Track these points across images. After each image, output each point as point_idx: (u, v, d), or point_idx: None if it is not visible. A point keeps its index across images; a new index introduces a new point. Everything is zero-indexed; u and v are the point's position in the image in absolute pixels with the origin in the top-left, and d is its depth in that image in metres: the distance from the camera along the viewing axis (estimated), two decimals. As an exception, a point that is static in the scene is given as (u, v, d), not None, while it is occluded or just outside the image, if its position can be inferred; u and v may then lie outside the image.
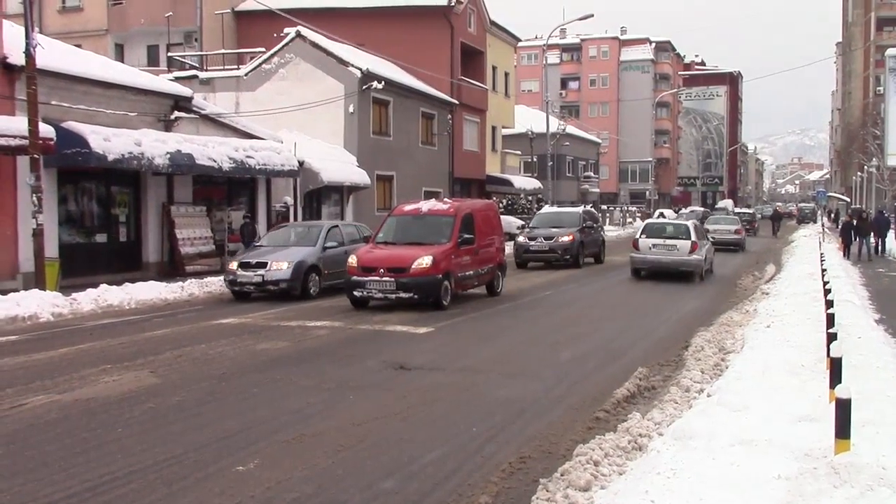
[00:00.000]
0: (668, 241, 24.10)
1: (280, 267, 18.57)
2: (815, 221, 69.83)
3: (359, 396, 9.37)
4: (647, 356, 12.00)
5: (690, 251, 23.70)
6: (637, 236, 25.24)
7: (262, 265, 18.78)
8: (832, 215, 70.74)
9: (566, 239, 27.48)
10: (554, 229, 28.06)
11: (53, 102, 19.61)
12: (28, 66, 17.34)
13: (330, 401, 9.17)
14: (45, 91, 18.67)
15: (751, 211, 69.76)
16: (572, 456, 6.87)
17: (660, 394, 9.65)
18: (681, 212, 62.43)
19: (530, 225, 30.19)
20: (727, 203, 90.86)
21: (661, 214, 57.13)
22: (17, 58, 18.23)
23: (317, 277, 19.19)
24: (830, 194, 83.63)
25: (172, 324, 15.28)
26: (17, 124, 17.78)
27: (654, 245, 24.13)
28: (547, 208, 35.87)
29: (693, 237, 24.03)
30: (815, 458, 5.92)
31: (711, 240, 28.27)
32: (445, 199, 22.48)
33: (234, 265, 19.26)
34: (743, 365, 9.77)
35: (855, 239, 31.99)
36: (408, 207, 19.47)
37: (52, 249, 19.02)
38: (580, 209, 31.67)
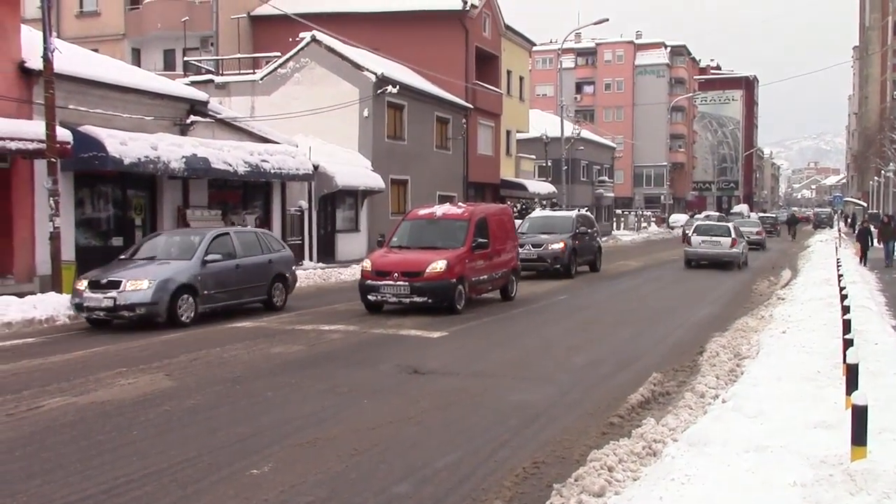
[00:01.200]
0: (714, 238, 30.81)
1: (138, 286, 14.73)
2: (831, 226, 69.63)
3: (372, 400, 9.38)
4: (661, 361, 11.96)
5: (731, 246, 30.27)
6: (689, 234, 32.58)
7: (115, 284, 14.87)
8: (849, 220, 70.33)
9: (556, 246, 25.88)
10: (544, 235, 26.49)
11: (71, 107, 19.76)
12: (46, 71, 17.46)
13: (343, 405, 9.19)
14: (62, 95, 18.81)
15: (773, 215, 76.80)
16: (586, 461, 6.86)
17: (674, 399, 9.62)
18: (695, 217, 62.44)
19: (518, 230, 27.72)
20: (742, 208, 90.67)
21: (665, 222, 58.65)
22: (34, 62, 18.37)
23: (191, 300, 15.40)
24: (847, 199, 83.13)
25: (187, 327, 15.34)
26: (34, 128, 17.91)
27: (703, 241, 30.83)
28: (538, 212, 34.07)
29: (733, 235, 30.83)
30: (831, 465, 5.88)
31: None
32: (460, 204, 22.50)
33: (82, 284, 15.36)
34: (758, 371, 9.73)
35: (881, 243, 31.75)
36: (422, 211, 19.49)
37: (68, 252, 19.13)
38: (573, 213, 29.70)
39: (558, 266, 25.73)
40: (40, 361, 11.79)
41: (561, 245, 25.95)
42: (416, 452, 7.44)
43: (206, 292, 15.78)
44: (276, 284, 17.83)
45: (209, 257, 15.98)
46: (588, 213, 33.34)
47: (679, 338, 14.50)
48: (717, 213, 74.29)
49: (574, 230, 27.05)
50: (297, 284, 23.30)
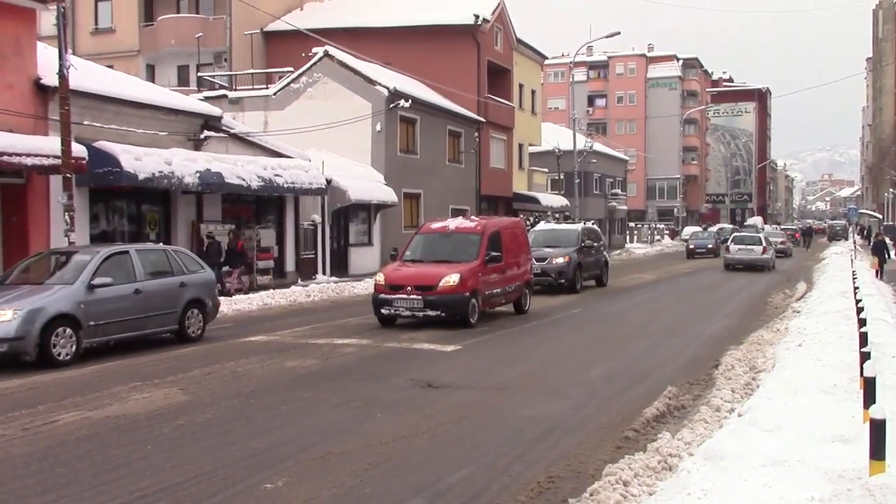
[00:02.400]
0: (748, 246, 37.55)
1: (0, 318, 12.25)
2: (846, 238, 69.38)
3: (386, 414, 9.37)
4: (676, 375, 11.90)
5: (762, 252, 36.93)
6: (728, 243, 39.23)
7: None
8: (865, 232, 69.99)
9: (560, 260, 25.17)
10: (548, 249, 25.54)
11: (86, 122, 19.90)
12: (61, 87, 17.60)
13: (357, 419, 9.18)
14: (77, 111, 18.94)
15: (794, 227, 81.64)
16: (601, 476, 6.82)
17: (690, 413, 9.56)
18: (708, 230, 62.28)
19: None
20: (756, 220, 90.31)
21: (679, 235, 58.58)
22: (50, 79, 18.52)
23: (71, 333, 12.79)
24: (862, 211, 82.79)
25: (201, 341, 15.37)
26: (50, 144, 18.04)
27: (739, 249, 37.47)
28: (542, 225, 33.40)
29: (764, 244, 37.67)
30: (850, 479, 5.83)
31: None
32: (472, 217, 22.52)
33: None
34: (774, 384, 9.66)
35: None
36: (435, 225, 19.50)
37: (83, 267, 19.18)
38: (579, 226, 29.02)
39: (563, 281, 25.14)
40: (55, 376, 11.83)
41: (565, 259, 25.35)
42: (429, 467, 7.41)
43: (91, 324, 13.13)
44: (191, 311, 15.31)
45: (97, 281, 13.37)
46: (594, 226, 32.76)
47: (694, 351, 14.43)
48: (731, 226, 74.14)
49: (579, 244, 26.46)
50: (309, 298, 23.48)
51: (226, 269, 23.26)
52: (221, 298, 18.62)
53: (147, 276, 14.51)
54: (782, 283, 29.66)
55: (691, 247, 49.82)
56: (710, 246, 48.95)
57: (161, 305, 14.70)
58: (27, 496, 6.63)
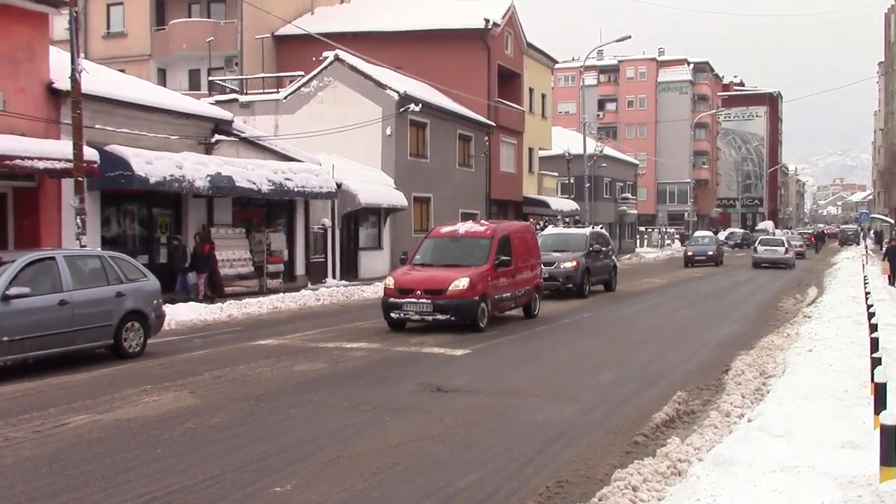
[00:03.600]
0: (772, 247, 43.85)
1: None
2: (857, 243, 69.09)
3: (396, 418, 9.38)
4: (686, 380, 11.88)
5: (785, 252, 43.22)
6: (755, 245, 45.55)
7: None
8: (876, 237, 69.67)
9: (569, 265, 24.89)
10: (555, 254, 25.27)
11: (97, 126, 20.00)
12: (73, 91, 17.69)
13: (367, 423, 9.18)
14: (89, 115, 19.03)
15: (810, 231, 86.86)
16: (610, 481, 6.82)
17: (699, 418, 9.54)
18: (720, 233, 62.17)
19: None
20: (768, 224, 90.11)
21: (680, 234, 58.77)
22: (62, 83, 18.63)
23: None
24: (874, 216, 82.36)
25: (212, 345, 15.43)
26: (62, 148, 18.13)
27: (765, 249, 43.66)
28: (551, 229, 33.47)
29: (786, 245, 44.34)
30: (860, 485, 5.81)
31: None
32: (482, 221, 22.48)
33: None
34: (785, 389, 9.63)
35: None
36: (445, 229, 19.51)
37: (94, 270, 19.23)
38: (587, 231, 28.89)
39: (570, 285, 24.87)
40: (66, 379, 11.88)
41: (573, 263, 25.05)
42: (439, 471, 7.41)
43: (5, 339, 11.79)
44: (130, 324, 13.79)
45: (13, 291, 11.97)
46: (603, 231, 32.47)
47: (704, 356, 14.39)
48: (742, 230, 73.95)
49: (587, 248, 26.23)
50: (318, 302, 23.47)
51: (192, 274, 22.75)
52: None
53: (76, 285, 12.97)
54: (793, 287, 29.56)
55: (690, 253, 45.53)
56: (710, 253, 45.29)
57: (92, 318, 13.14)
58: (37, 498, 6.66)
